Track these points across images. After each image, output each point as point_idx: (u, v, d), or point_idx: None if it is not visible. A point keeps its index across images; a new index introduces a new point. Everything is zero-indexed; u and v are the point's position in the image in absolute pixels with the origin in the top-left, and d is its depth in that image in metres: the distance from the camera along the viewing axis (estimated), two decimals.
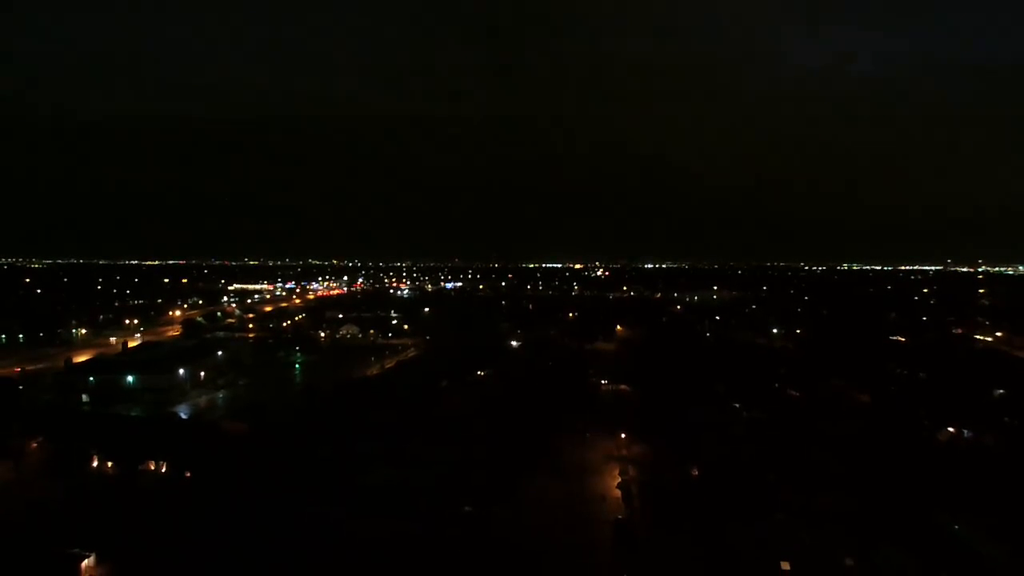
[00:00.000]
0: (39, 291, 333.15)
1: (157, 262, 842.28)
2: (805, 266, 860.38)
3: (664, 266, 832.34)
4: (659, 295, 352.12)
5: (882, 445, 79.47)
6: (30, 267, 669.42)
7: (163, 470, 70.07)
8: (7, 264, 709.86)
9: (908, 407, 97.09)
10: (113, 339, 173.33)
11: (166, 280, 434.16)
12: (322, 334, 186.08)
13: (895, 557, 48.78)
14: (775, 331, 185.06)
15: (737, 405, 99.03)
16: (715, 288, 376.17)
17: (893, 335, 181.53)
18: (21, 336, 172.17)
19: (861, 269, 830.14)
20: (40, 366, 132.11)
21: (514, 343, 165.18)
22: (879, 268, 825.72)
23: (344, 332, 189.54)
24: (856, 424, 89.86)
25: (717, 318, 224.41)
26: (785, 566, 47.03)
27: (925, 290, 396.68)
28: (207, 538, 51.97)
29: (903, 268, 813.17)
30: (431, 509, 58.64)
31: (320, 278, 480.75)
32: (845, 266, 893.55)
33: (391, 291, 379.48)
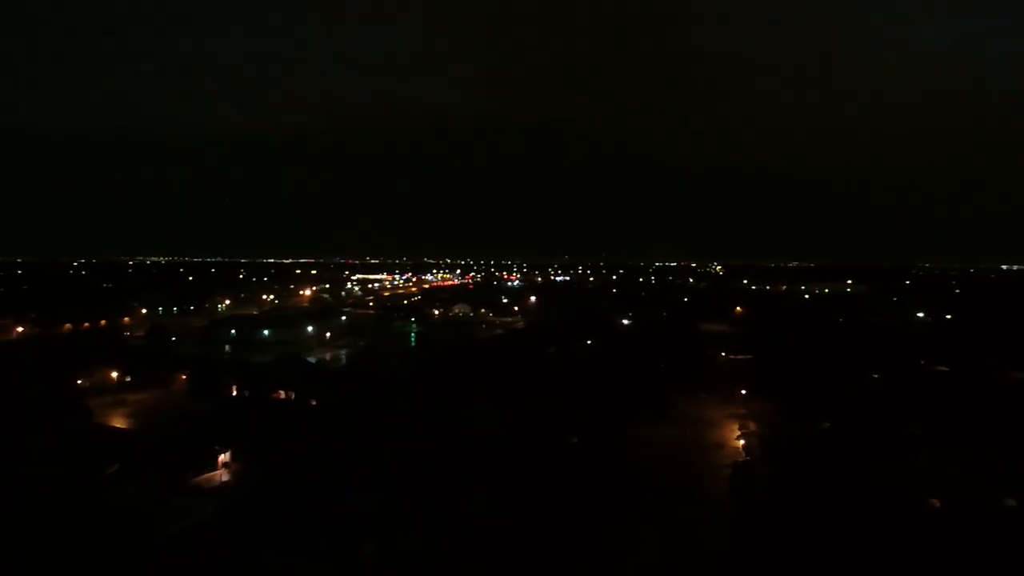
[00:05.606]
0: (190, 279, 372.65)
1: (289, 260, 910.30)
2: (957, 266, 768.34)
3: (790, 265, 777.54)
4: (784, 287, 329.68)
5: None
6: (164, 264, 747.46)
7: (292, 398, 75.03)
8: (164, 261, 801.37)
9: None
10: (252, 311, 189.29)
11: (297, 271, 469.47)
12: (435, 311, 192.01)
13: None
14: (920, 315, 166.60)
15: (876, 376, 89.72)
16: (848, 281, 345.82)
17: None
18: (174, 309, 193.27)
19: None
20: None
21: (624, 321, 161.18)
22: None
23: (456, 311, 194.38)
24: (1014, 398, 77.85)
25: (850, 304, 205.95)
26: (935, 503, 41.12)
27: None
28: (328, 446, 54.38)
29: None
30: (536, 441, 57.76)
31: (434, 271, 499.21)
32: (1005, 267, 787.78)
33: (501, 282, 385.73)
